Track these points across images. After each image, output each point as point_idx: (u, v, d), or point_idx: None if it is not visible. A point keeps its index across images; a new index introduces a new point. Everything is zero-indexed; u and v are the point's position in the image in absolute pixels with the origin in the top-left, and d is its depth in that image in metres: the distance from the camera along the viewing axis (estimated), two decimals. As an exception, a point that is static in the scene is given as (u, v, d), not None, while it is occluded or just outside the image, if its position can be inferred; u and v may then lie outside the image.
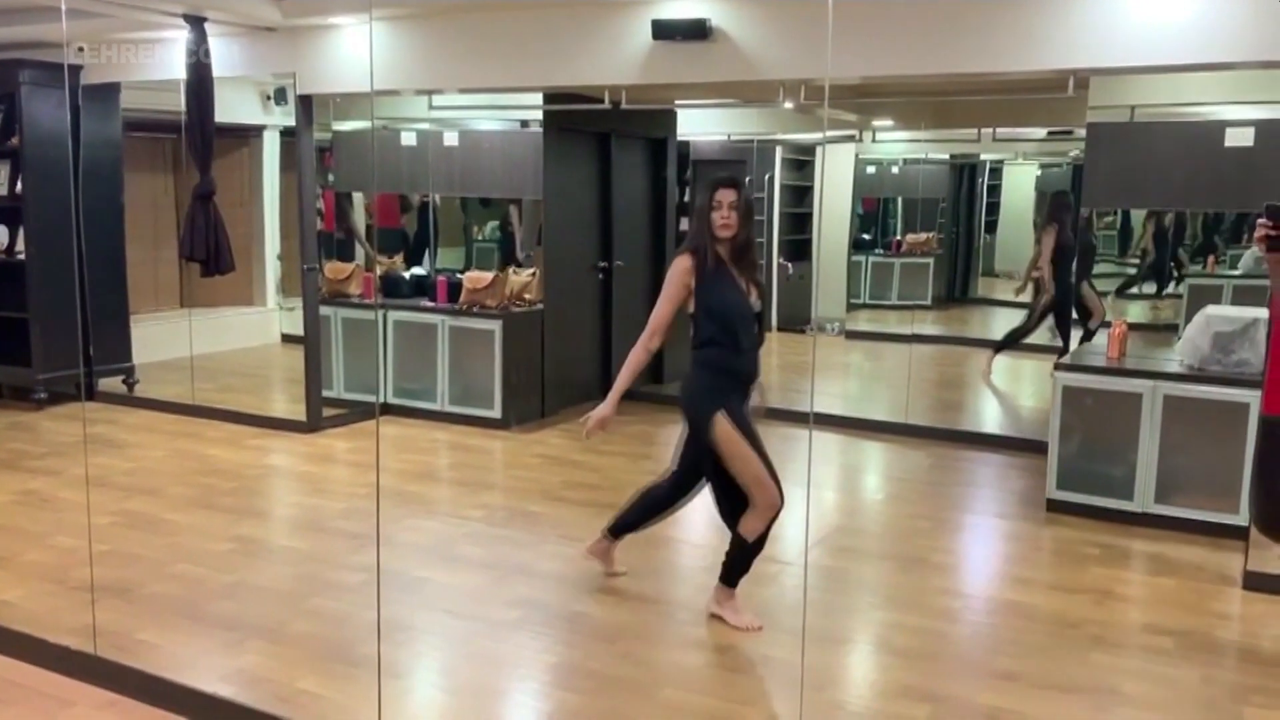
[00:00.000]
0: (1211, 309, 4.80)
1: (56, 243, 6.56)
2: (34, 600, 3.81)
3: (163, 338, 7.35)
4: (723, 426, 3.60)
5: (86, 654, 3.28)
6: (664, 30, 5.02)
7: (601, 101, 5.70)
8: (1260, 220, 3.00)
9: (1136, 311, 6.00)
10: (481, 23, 5.50)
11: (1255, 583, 4.01)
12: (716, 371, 3.67)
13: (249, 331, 8.27)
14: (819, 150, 9.25)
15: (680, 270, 3.67)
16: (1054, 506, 4.89)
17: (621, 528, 4.06)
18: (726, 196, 3.61)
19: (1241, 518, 4.44)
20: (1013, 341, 7.21)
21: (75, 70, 6.63)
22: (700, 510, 5.30)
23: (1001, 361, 8.07)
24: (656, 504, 4.01)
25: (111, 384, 7.10)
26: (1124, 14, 4.23)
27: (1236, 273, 5.73)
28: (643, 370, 3.80)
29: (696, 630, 3.67)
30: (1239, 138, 4.76)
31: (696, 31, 4.95)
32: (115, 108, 6.92)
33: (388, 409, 6.76)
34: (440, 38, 5.65)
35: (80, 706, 3.11)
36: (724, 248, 3.64)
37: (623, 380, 3.76)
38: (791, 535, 4.80)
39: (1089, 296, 6.35)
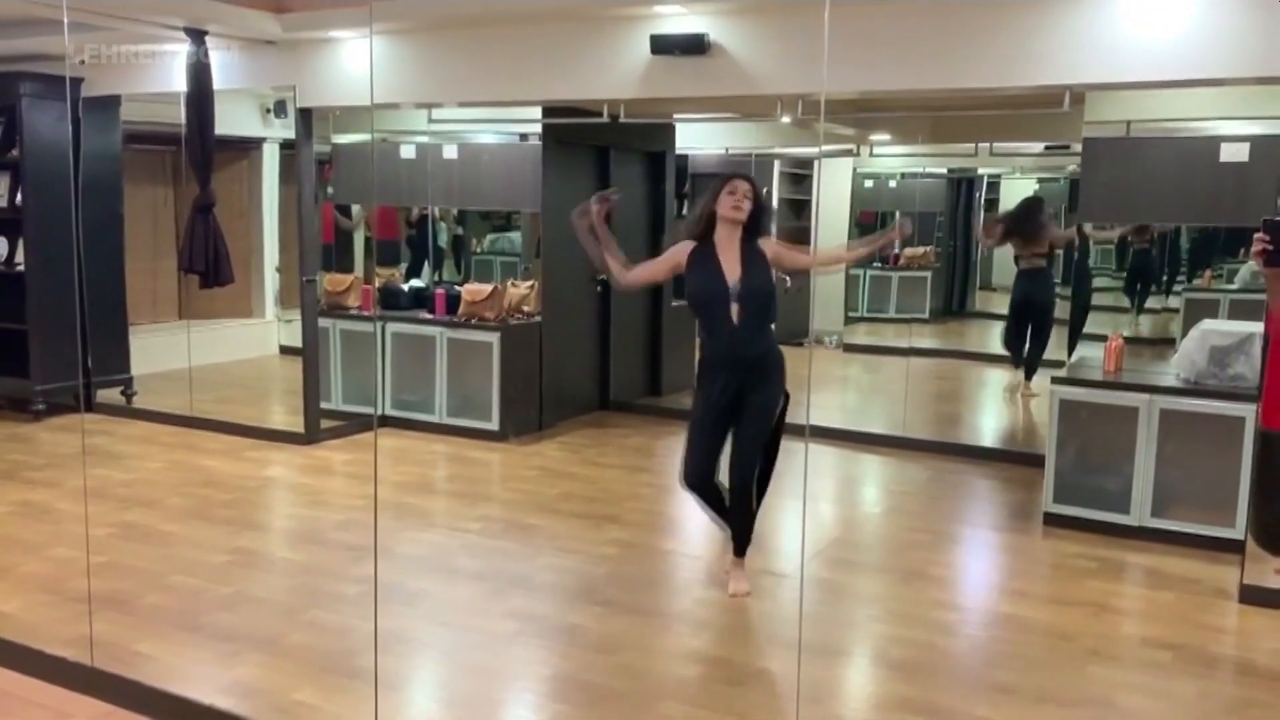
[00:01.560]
0: (1207, 323, 4.82)
1: (56, 254, 6.57)
2: (31, 611, 3.81)
3: (161, 349, 7.35)
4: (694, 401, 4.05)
5: (83, 665, 3.28)
6: (662, 45, 5.04)
7: (600, 115, 5.73)
8: (1257, 235, 3.02)
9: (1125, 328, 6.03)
10: (481, 37, 5.53)
11: (1252, 596, 4.01)
12: (704, 355, 4.02)
13: (247, 343, 8.28)
14: (817, 164, 9.29)
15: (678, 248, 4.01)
16: (1051, 520, 4.90)
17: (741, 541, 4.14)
18: (741, 185, 3.93)
19: (1238, 531, 4.45)
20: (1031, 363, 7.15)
21: (76, 83, 6.65)
22: (696, 523, 5.31)
23: (995, 374, 8.09)
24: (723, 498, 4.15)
25: (110, 395, 7.10)
26: (1120, 30, 4.26)
27: (1233, 287, 5.76)
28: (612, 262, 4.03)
29: (693, 643, 3.68)
30: (1234, 153, 4.78)
31: (695, 46, 4.98)
32: (115, 120, 6.93)
33: (386, 421, 6.76)
34: (440, 52, 5.68)
35: (77, 718, 3.11)
36: (725, 229, 3.93)
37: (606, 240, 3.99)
38: (788, 548, 4.81)
39: None
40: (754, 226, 3.97)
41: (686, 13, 5.01)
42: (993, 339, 8.32)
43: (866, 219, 8.98)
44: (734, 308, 3.88)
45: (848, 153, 8.30)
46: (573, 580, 4.27)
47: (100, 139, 6.87)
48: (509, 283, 6.74)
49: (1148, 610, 4.08)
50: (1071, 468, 4.87)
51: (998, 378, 8.08)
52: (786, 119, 5.71)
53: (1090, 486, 4.84)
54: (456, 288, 6.81)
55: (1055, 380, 4.97)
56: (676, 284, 8.10)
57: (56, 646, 3.40)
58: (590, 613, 3.94)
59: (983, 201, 8.63)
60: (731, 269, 3.90)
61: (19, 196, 6.68)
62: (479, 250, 7.90)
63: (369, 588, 3.96)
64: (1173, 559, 4.50)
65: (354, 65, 5.89)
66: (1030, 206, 7.27)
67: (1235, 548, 4.39)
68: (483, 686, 3.39)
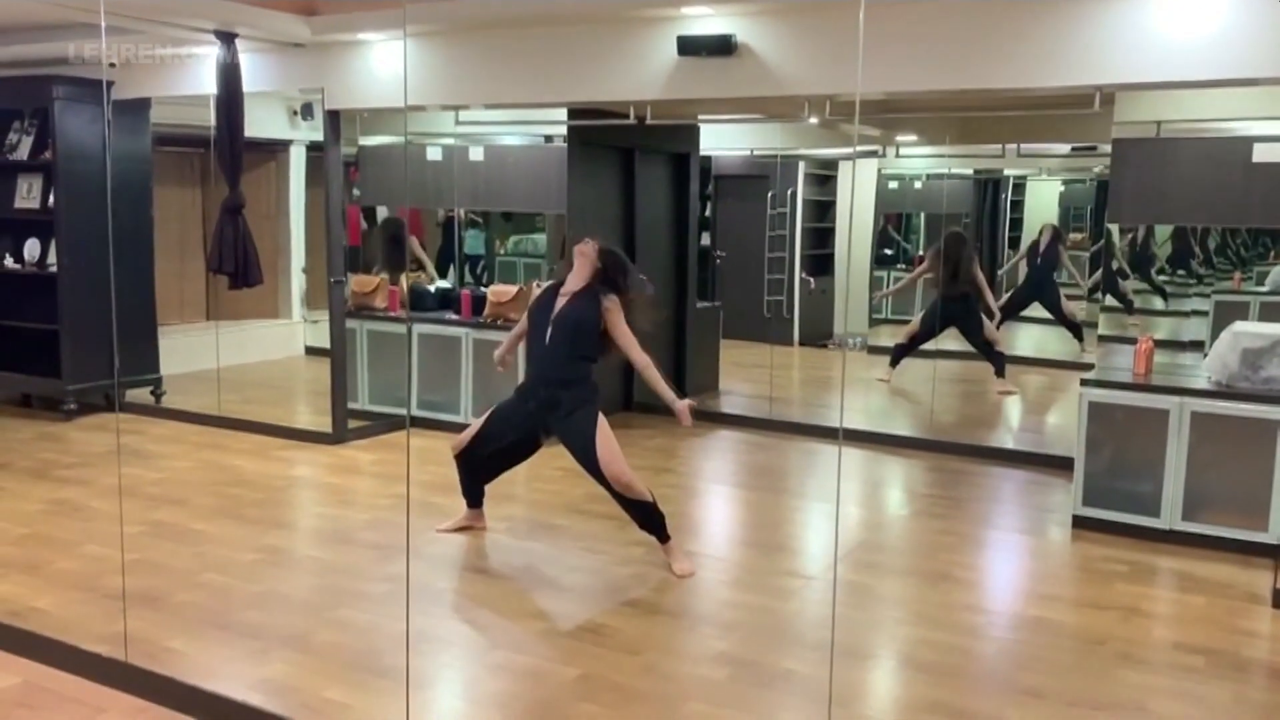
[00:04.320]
0: (1239, 325, 4.78)
1: (87, 256, 6.65)
2: (65, 608, 3.85)
3: (189, 350, 7.43)
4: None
5: (118, 661, 3.32)
6: (690, 46, 5.05)
7: (625, 117, 5.74)
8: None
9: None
10: (508, 39, 5.56)
11: (1285, 601, 3.98)
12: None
13: (274, 344, 8.35)
14: (841, 165, 9.28)
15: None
16: (1080, 523, 4.86)
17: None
18: (593, 239, 4.45)
19: (1270, 535, 4.41)
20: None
21: (106, 86, 6.73)
22: (722, 524, 5.32)
23: (1023, 376, 8.06)
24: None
25: (139, 395, 7.17)
26: (1151, 30, 4.24)
27: (1263, 289, 5.70)
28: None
29: (720, 644, 3.67)
30: (1267, 153, 4.73)
31: (722, 47, 4.99)
32: (145, 123, 7.01)
33: (412, 421, 6.78)
34: (467, 54, 5.71)
35: (111, 713, 3.14)
36: (574, 275, 4.40)
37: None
38: (815, 550, 4.81)
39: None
40: (601, 274, 4.39)
41: (713, 14, 5.01)
42: (1020, 340, 8.29)
43: (891, 220, 8.98)
44: (547, 333, 4.41)
45: (873, 154, 8.29)
46: (599, 581, 4.27)
47: (130, 141, 6.95)
48: (534, 284, 6.76)
49: (1179, 614, 4.04)
50: (1101, 470, 4.83)
51: (1025, 380, 8.05)
52: (813, 120, 5.70)
53: (1120, 489, 4.80)
54: (482, 289, 6.83)
55: (1084, 382, 4.93)
56: (702, 286, 8.22)
57: (91, 642, 3.44)
58: (617, 613, 3.94)
59: (1008, 202, 8.59)
60: (559, 305, 4.41)
61: (51, 198, 6.75)
62: (503, 252, 7.94)
63: (396, 586, 3.99)
64: (1204, 563, 4.46)
65: (382, 67, 5.93)
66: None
67: (1268, 552, 4.36)
68: (510, 686, 3.40)
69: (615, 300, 4.35)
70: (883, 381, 7.75)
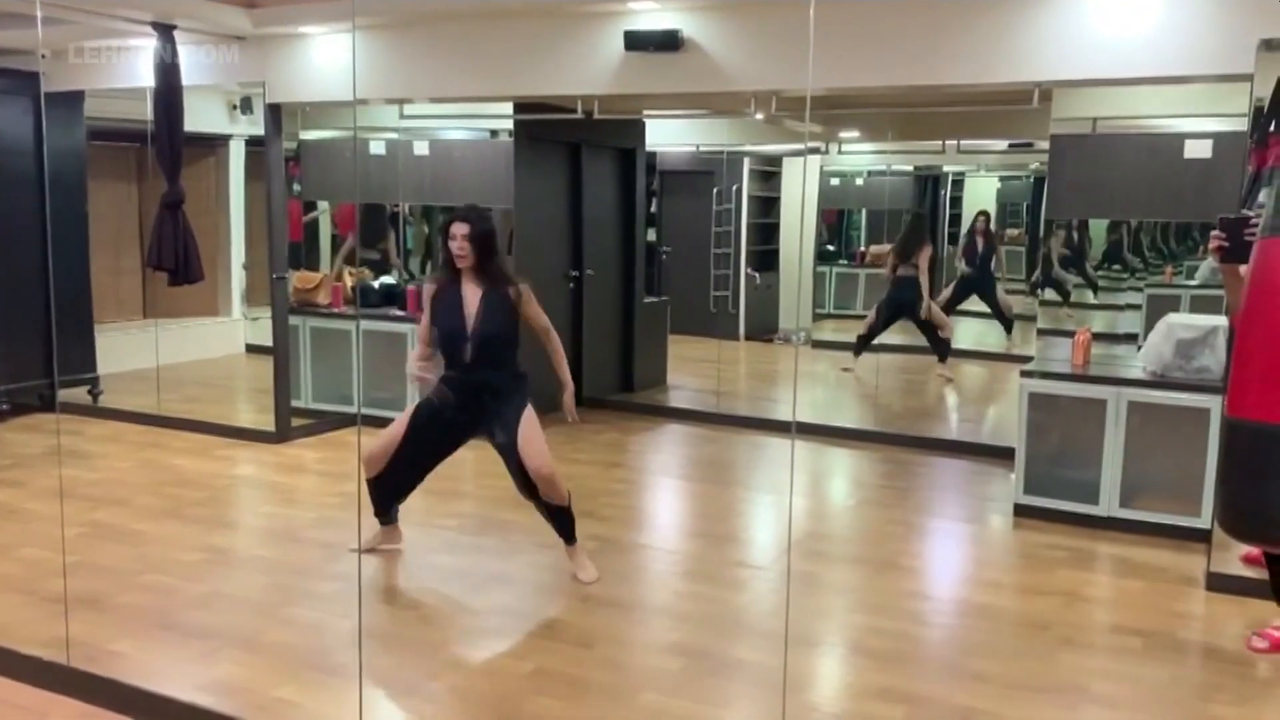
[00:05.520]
0: (1173, 316, 4.91)
1: (18, 252, 6.48)
2: (3, 612, 3.75)
3: (126, 348, 7.27)
4: (407, 411, 4.23)
5: (60, 665, 3.24)
6: (636, 41, 5.06)
7: (572, 111, 5.74)
8: (1214, 233, 3.10)
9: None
10: (455, 33, 5.52)
11: (1218, 584, 4.10)
12: (443, 379, 4.13)
13: (213, 341, 8.20)
14: (785, 162, 9.36)
15: (425, 293, 4.19)
16: (1021, 511, 4.97)
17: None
18: (458, 230, 4.00)
19: (1204, 521, 4.54)
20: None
21: (37, 78, 6.55)
22: (673, 517, 5.34)
23: (964, 368, 8.21)
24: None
25: (75, 394, 7.00)
26: (1089, 28, 4.35)
27: (1194, 283, 5.86)
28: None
29: (673, 635, 3.70)
30: (1197, 149, 4.87)
31: (668, 43, 5.01)
32: (79, 116, 6.83)
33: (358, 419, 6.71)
34: (412, 47, 5.66)
35: (54, 718, 3.07)
36: (465, 273, 4.06)
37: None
38: (762, 540, 4.86)
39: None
40: (488, 266, 4.06)
41: (660, 9, 5.03)
42: (960, 334, 8.45)
43: (828, 219, 9.09)
44: (468, 347, 4.05)
45: (815, 150, 8.38)
46: (551, 575, 4.27)
47: (63, 135, 6.76)
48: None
49: (1118, 598, 4.15)
50: (1041, 460, 4.94)
51: (965, 371, 8.21)
52: (759, 116, 5.75)
53: (1060, 478, 4.91)
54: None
55: (1024, 374, 5.04)
56: (648, 281, 8.27)
57: (31, 647, 3.36)
58: (570, 607, 3.95)
59: (948, 198, 8.74)
60: (469, 312, 4.05)
61: (-21, 194, 6.56)
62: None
63: (344, 585, 3.95)
64: (1141, 548, 4.58)
65: (324, 61, 5.85)
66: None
67: (1201, 537, 4.49)
68: (464, 682, 3.39)
69: (524, 289, 4.07)
70: (847, 370, 7.84)
